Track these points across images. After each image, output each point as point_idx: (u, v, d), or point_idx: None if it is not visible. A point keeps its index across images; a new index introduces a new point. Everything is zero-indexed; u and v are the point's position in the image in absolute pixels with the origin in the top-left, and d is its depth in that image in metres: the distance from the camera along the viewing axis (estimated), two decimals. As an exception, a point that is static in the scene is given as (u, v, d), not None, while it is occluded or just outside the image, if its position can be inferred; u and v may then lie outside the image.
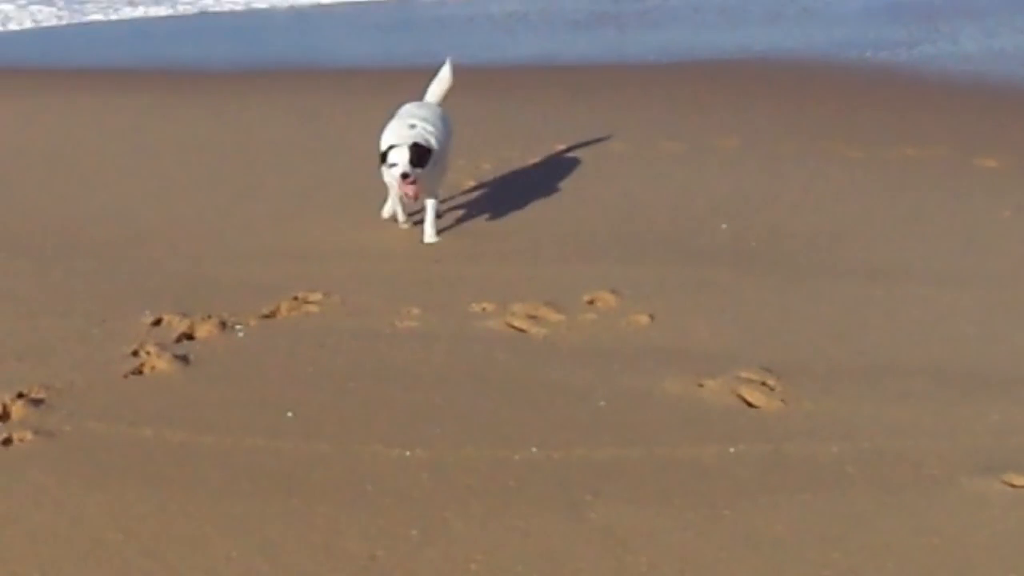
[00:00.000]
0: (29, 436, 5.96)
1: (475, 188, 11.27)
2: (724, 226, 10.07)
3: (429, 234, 9.51)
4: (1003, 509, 5.26)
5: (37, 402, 6.35)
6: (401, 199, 9.51)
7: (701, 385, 6.51)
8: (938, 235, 9.66)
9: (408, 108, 9.68)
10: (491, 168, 11.99)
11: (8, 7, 28.26)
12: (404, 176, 8.60)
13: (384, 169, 8.98)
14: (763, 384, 6.49)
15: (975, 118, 13.67)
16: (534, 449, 5.87)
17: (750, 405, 6.39)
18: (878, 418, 6.24)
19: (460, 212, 10.67)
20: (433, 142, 9.06)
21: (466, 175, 11.73)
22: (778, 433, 6.08)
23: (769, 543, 5.06)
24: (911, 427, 6.09)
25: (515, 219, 10.49)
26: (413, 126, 9.16)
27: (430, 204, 9.49)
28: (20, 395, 6.43)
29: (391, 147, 8.73)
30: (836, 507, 5.33)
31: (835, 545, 5.02)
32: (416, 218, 9.80)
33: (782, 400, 6.35)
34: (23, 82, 18.57)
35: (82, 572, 4.84)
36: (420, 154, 8.71)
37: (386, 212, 9.79)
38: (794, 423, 6.19)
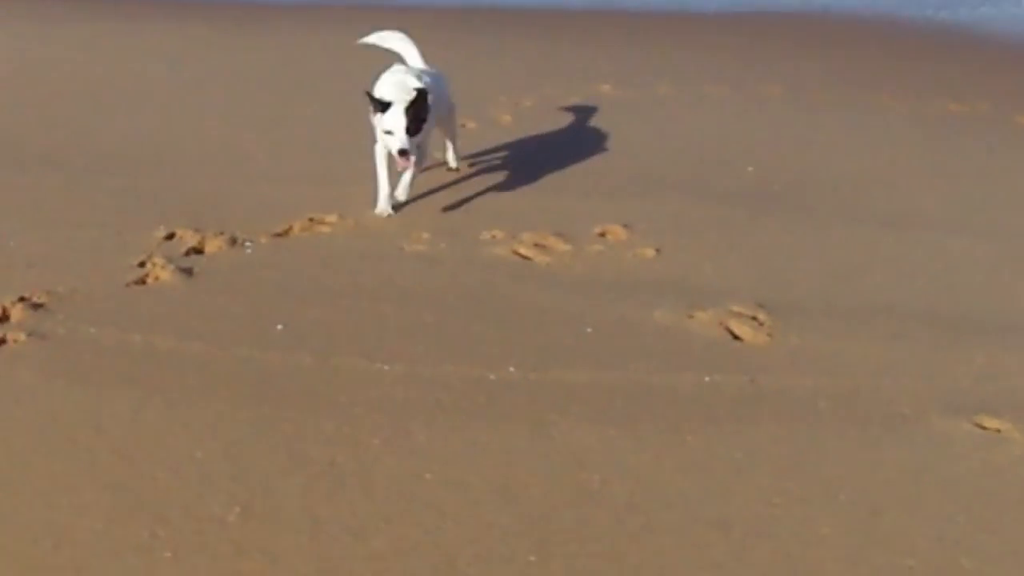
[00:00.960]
0: (23, 337, 6.02)
1: (511, 123, 11.13)
2: (750, 169, 10.01)
3: (404, 193, 8.67)
4: (968, 449, 5.25)
5: (37, 306, 6.42)
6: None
7: (691, 316, 6.50)
8: (963, 187, 9.55)
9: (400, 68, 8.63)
10: (531, 105, 12.01)
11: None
12: (401, 153, 7.68)
13: (376, 123, 7.98)
14: (753, 319, 6.48)
15: (1024, 78, 13.35)
16: (512, 369, 5.87)
17: (736, 338, 6.37)
18: (862, 357, 6.19)
19: (490, 145, 10.69)
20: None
21: (505, 110, 11.71)
22: (757, 365, 6.06)
23: (725, 469, 5.05)
24: (893, 367, 6.05)
25: (543, 154, 10.46)
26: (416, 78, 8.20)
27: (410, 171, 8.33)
28: (21, 299, 6.51)
29: (387, 104, 7.66)
30: (800, 439, 5.32)
31: (791, 474, 5.01)
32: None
33: (768, 334, 6.33)
34: (86, 8, 18.63)
35: (50, 465, 4.90)
36: (419, 115, 7.69)
37: (380, 206, 8.62)
38: (776, 357, 6.17)
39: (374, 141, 8.13)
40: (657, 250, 7.59)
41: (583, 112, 11.57)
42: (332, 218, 8.25)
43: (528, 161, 10.02)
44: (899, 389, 5.77)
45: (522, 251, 7.65)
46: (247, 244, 7.57)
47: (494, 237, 7.88)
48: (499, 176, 9.60)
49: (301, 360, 5.91)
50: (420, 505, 4.68)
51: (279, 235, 7.91)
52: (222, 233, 7.77)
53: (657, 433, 5.35)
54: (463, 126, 10.90)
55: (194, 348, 6.03)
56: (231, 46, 15.46)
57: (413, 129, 7.40)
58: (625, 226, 7.98)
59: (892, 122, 11.11)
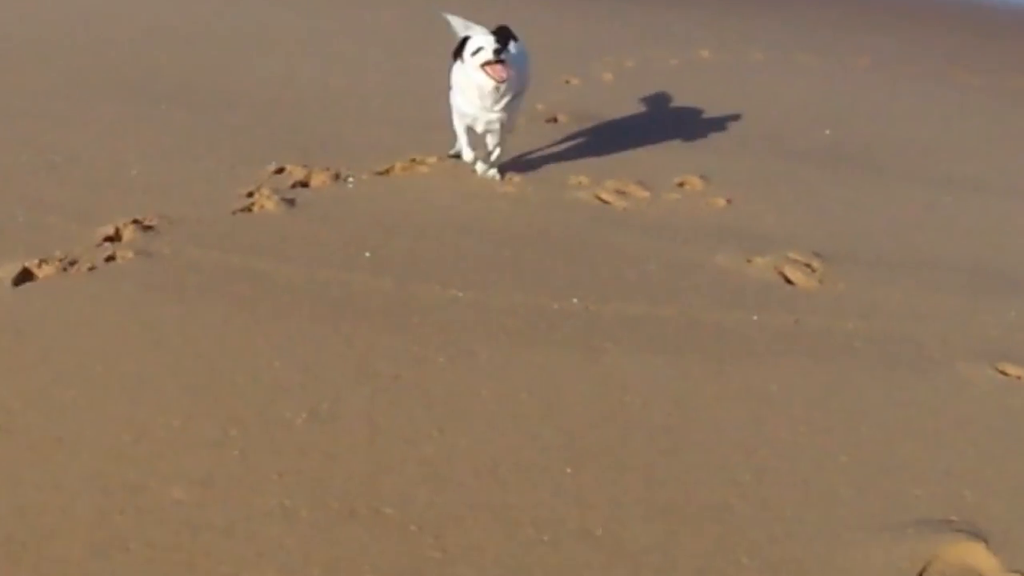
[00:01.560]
0: (130, 255, 6.07)
1: (612, 81, 11.18)
2: (827, 132, 9.91)
3: (490, 169, 7.81)
4: (987, 392, 5.18)
5: (147, 228, 6.48)
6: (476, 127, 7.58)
7: (749, 261, 6.49)
8: (1021, 157, 9.24)
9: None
10: (632, 65, 12.03)
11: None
12: (496, 53, 6.59)
13: (460, 69, 7.17)
14: (807, 265, 6.47)
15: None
16: (574, 300, 5.85)
17: (788, 282, 6.36)
18: (902, 304, 6.12)
19: (590, 100, 10.58)
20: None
21: (608, 69, 11.75)
22: (803, 308, 5.99)
23: (759, 399, 5.00)
24: (928, 315, 5.98)
25: (637, 110, 10.38)
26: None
27: (496, 145, 7.64)
28: (135, 221, 6.55)
29: (466, 39, 6.88)
30: (832, 375, 5.26)
31: (819, 406, 4.97)
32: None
33: (819, 280, 6.34)
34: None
35: (139, 367, 4.93)
36: (506, 36, 6.72)
37: (466, 155, 7.83)
38: (822, 301, 6.11)
39: (454, 110, 7.46)
40: (728, 200, 7.54)
41: (680, 73, 11.56)
42: (432, 160, 8.17)
43: (622, 116, 9.94)
44: (930, 335, 5.69)
45: (603, 196, 7.61)
46: (349, 180, 7.54)
47: (580, 183, 7.81)
48: (593, 129, 9.47)
49: (382, 284, 5.89)
50: (472, 418, 4.67)
51: (380, 173, 7.86)
52: (328, 169, 7.74)
53: (700, 363, 5.29)
54: (566, 82, 11.02)
55: (285, 270, 6.02)
56: (359, 3, 15.33)
57: (502, 42, 6.55)
58: (702, 177, 7.96)
59: (967, 95, 10.96)
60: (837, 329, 5.71)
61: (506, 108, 7.13)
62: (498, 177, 7.47)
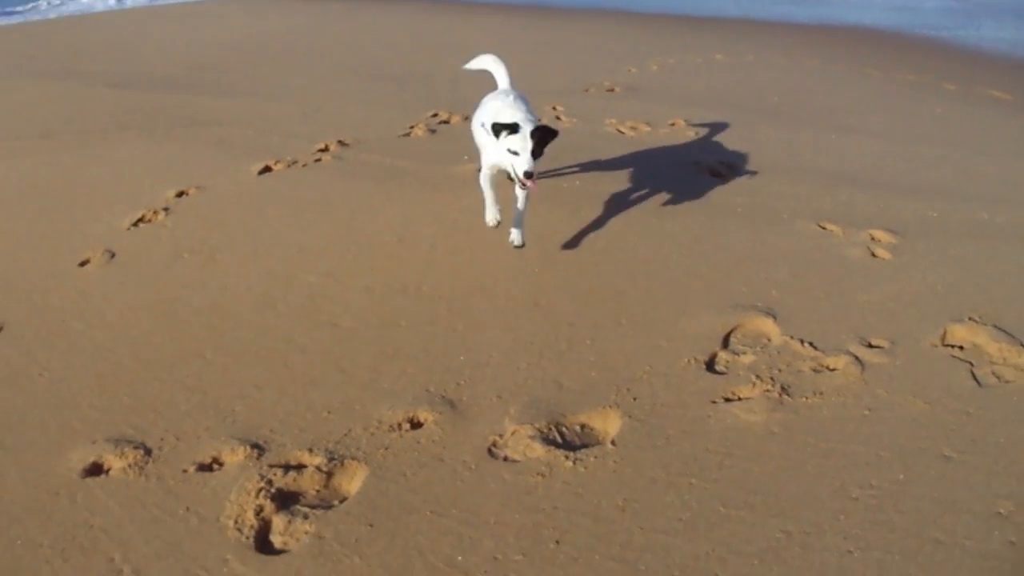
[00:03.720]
0: (330, 159, 6.62)
1: (637, 74, 11.28)
2: (776, 99, 10.02)
3: (519, 236, 4.93)
4: (810, 237, 5.23)
5: (344, 144, 7.02)
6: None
7: (695, 164, 6.65)
8: (892, 116, 9.09)
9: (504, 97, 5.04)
10: (673, 62, 12.07)
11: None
12: (528, 175, 4.43)
13: (494, 149, 4.63)
14: (727, 167, 6.65)
15: None
16: (578, 182, 6.04)
17: (714, 175, 6.45)
18: (777, 190, 6.09)
19: (638, 81, 10.76)
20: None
21: (656, 63, 11.92)
22: (716, 190, 6.06)
23: (664, 234, 5.17)
24: (790, 196, 5.97)
25: (664, 87, 10.45)
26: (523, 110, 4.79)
27: (523, 202, 4.94)
28: (339, 141, 7.08)
29: (512, 126, 4.45)
30: (716, 226, 5.38)
31: (701, 241, 5.11)
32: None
33: (729, 176, 6.44)
34: None
35: (316, 214, 5.46)
36: (544, 139, 4.47)
37: (490, 212, 5.00)
38: (728, 187, 6.16)
39: (479, 169, 5.05)
40: (696, 134, 7.59)
41: (700, 67, 11.22)
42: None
43: (653, 89, 9.94)
44: (786, 207, 5.72)
45: (622, 129, 7.75)
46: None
47: (610, 122, 7.99)
48: (632, 96, 9.56)
49: (462, 171, 6.17)
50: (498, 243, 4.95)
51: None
52: (462, 113, 8.11)
53: (640, 216, 5.43)
54: (629, 70, 10.96)
55: (414, 166, 6.44)
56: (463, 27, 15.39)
57: (538, 152, 4.44)
58: (685, 120, 8.00)
59: (868, 81, 10.54)
60: (730, 202, 5.80)
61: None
62: (517, 242, 4.87)
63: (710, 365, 3.76)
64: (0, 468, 3.14)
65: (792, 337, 3.97)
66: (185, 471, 3.13)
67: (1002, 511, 2.91)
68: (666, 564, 2.66)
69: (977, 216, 5.48)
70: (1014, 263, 4.72)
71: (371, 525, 2.83)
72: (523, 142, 4.31)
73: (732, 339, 3.99)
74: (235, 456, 3.19)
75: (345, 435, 3.29)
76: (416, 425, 3.38)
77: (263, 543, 2.81)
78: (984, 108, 9.10)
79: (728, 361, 3.80)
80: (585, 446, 3.23)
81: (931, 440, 3.25)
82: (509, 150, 4.34)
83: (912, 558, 2.70)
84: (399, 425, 3.33)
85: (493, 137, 4.39)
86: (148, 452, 3.24)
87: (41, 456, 3.20)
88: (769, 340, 3.98)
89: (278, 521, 2.88)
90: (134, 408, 3.48)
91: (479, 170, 4.94)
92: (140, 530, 2.84)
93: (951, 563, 2.67)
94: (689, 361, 3.78)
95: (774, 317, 4.13)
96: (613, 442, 3.24)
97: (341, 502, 2.98)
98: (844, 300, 4.33)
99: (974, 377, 3.66)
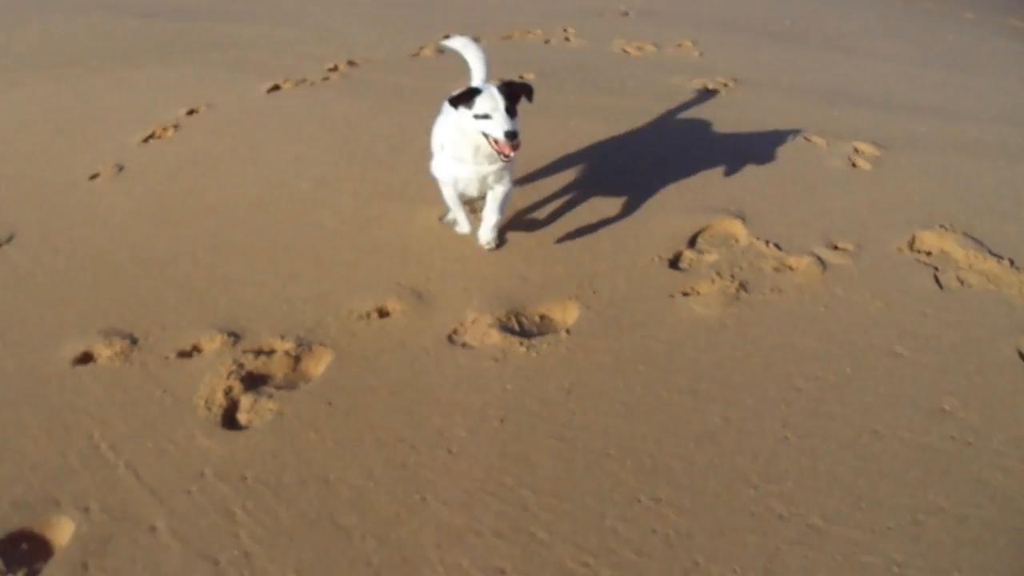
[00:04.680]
0: (337, 77, 6.59)
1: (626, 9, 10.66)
2: (787, 22, 9.52)
3: (489, 235, 3.91)
4: (800, 150, 5.13)
5: (354, 64, 6.98)
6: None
7: (691, 80, 6.48)
8: (906, 42, 8.79)
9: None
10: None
11: None
12: (510, 137, 3.37)
13: (456, 121, 3.54)
14: (726, 84, 6.46)
15: None
16: (574, 96, 5.94)
17: (708, 91, 6.26)
18: (784, 109, 5.98)
19: (656, 6, 10.44)
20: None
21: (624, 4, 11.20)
22: (719, 105, 5.92)
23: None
24: (795, 113, 5.85)
25: (677, 12, 10.20)
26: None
27: (498, 202, 3.83)
28: (349, 62, 7.04)
29: (472, 92, 3.41)
30: (718, 137, 5.19)
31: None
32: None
33: (731, 89, 6.25)
34: None
35: (317, 127, 5.42)
36: (515, 94, 3.44)
37: (463, 227, 4.06)
38: (732, 101, 6.01)
39: (440, 181, 3.88)
40: (700, 53, 7.46)
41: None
42: (538, 31, 8.30)
43: (664, 14, 9.70)
44: (789, 123, 5.57)
45: (629, 50, 7.64)
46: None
47: (617, 43, 7.88)
48: (644, 19, 9.37)
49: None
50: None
51: (504, 38, 8.09)
52: (473, 33, 7.74)
53: (619, 126, 5.37)
54: (600, 14, 10.37)
55: (419, 83, 6.37)
56: None
57: (512, 109, 3.40)
58: (692, 42, 7.86)
59: (890, 9, 10.16)
60: (719, 115, 5.66)
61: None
62: (493, 244, 3.91)
63: (673, 263, 3.71)
64: (-2, 358, 3.14)
65: (758, 238, 3.90)
66: (166, 358, 3.18)
67: (947, 407, 2.85)
68: (603, 443, 2.65)
69: (968, 134, 5.31)
70: (996, 177, 4.58)
71: (330, 404, 2.84)
72: (492, 100, 3.32)
73: (699, 239, 3.93)
74: (213, 344, 3.22)
75: (317, 324, 3.29)
76: (384, 314, 3.38)
77: (230, 420, 2.85)
78: (998, 36, 8.78)
79: (692, 259, 3.74)
80: (541, 335, 3.21)
81: (884, 338, 3.18)
82: (477, 116, 3.34)
83: (848, 447, 2.65)
84: (368, 314, 3.33)
85: (462, 121, 3.40)
86: (134, 342, 3.26)
87: (37, 348, 3.27)
88: (736, 241, 3.92)
89: (245, 400, 2.91)
90: (126, 303, 3.53)
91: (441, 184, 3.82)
92: (119, 411, 2.88)
93: (887, 453, 2.62)
94: (653, 259, 3.73)
95: (743, 219, 4.06)
96: (568, 331, 3.21)
97: (306, 384, 2.96)
98: (816, 206, 4.23)
99: (937, 281, 3.57)
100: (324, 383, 2.94)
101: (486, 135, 3.38)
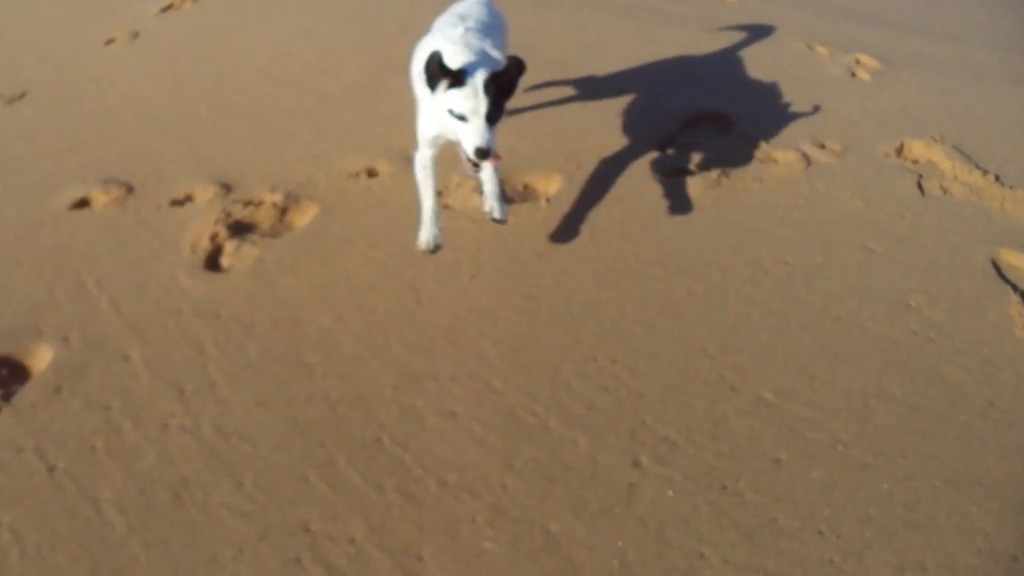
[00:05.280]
0: None
1: None
2: None
3: (500, 209, 2.83)
4: (796, 57, 4.93)
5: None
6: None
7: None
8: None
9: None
10: None
11: None
12: (481, 155, 2.37)
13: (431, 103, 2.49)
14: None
15: None
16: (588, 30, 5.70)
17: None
18: (803, 25, 5.64)
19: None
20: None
21: None
22: (730, 16, 5.59)
23: (662, 42, 4.87)
24: (814, 33, 5.56)
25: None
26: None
27: (491, 174, 2.84)
28: None
29: (455, 75, 2.36)
30: (716, 53, 5.02)
31: (677, 56, 4.79)
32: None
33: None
34: None
35: (317, 12, 5.24)
36: (506, 89, 2.40)
37: (425, 238, 2.76)
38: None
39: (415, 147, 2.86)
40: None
41: None
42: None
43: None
44: (783, 30, 5.34)
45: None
46: None
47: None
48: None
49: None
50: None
51: None
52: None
53: (626, 21, 5.20)
54: None
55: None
56: None
57: (496, 113, 2.41)
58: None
59: None
60: (729, 20, 5.50)
61: None
62: (497, 215, 2.86)
63: (661, 146, 3.64)
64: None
65: (748, 131, 3.82)
66: (159, 206, 3.18)
67: (912, 303, 2.81)
68: (568, 304, 2.64)
69: (974, 57, 5.14)
70: (993, 99, 4.45)
71: (309, 252, 2.83)
72: (472, 100, 2.37)
73: (689, 128, 3.86)
74: (205, 194, 3.21)
75: (307, 179, 3.27)
76: (372, 174, 3.36)
77: (212, 264, 2.85)
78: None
79: (680, 145, 3.68)
80: (522, 202, 3.19)
81: (859, 233, 3.13)
82: (451, 112, 2.41)
83: (808, 329, 2.63)
84: (357, 174, 3.30)
85: (436, 105, 2.45)
86: (131, 190, 3.26)
87: (37, 194, 3.29)
88: (726, 132, 3.84)
89: (229, 246, 2.91)
90: (127, 155, 3.52)
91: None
92: (108, 251, 2.88)
93: (846, 339, 2.60)
94: (640, 140, 3.66)
95: (735, 113, 3.97)
96: (548, 200, 3.17)
97: (289, 233, 2.96)
98: (809, 107, 4.13)
99: (920, 187, 3.50)
100: (307, 233, 2.93)
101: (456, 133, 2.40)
